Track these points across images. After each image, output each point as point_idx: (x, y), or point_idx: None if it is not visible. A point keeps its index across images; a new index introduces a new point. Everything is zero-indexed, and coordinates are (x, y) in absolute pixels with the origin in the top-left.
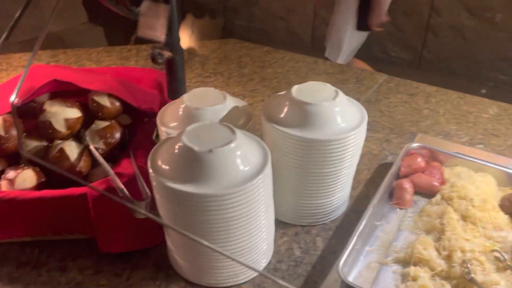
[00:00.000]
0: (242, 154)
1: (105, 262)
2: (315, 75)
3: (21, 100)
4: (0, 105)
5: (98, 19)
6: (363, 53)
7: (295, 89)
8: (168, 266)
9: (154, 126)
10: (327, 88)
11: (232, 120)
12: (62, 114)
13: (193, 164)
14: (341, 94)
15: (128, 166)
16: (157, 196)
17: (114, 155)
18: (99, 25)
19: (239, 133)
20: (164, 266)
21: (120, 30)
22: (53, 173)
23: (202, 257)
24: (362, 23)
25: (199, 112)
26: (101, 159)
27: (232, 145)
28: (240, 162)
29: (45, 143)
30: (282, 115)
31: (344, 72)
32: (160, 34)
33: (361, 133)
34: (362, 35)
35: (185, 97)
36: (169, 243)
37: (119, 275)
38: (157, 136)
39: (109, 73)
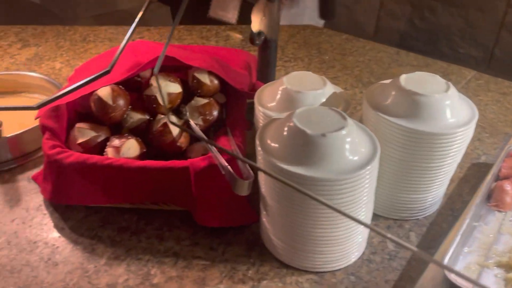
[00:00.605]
0: (352, 142)
1: (200, 235)
2: (399, 67)
3: (129, 73)
4: (108, 75)
5: None
6: (427, 48)
7: (403, 78)
8: (261, 245)
9: (245, 105)
10: (437, 80)
11: (331, 106)
12: (165, 88)
13: (304, 147)
14: (452, 87)
15: (226, 144)
16: (262, 175)
17: (210, 132)
18: (167, 4)
19: (349, 120)
20: (257, 245)
21: (187, 10)
22: (153, 146)
23: (300, 240)
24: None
25: (300, 96)
26: (202, 135)
27: (344, 131)
28: (350, 150)
29: (147, 117)
30: (388, 104)
31: (429, 65)
32: (232, 15)
33: (470, 130)
34: None
35: (284, 79)
36: (266, 222)
37: (215, 249)
38: (250, 115)
39: (201, 52)
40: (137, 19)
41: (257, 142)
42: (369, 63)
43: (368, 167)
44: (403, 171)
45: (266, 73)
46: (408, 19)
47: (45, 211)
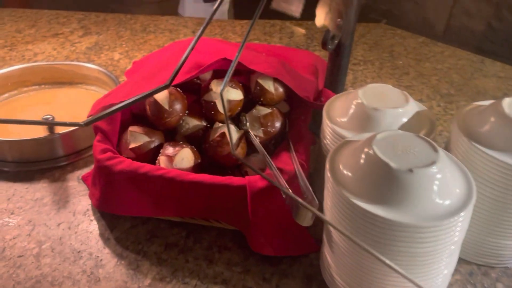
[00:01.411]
0: (443, 180)
1: (252, 261)
2: (483, 77)
3: (189, 75)
4: (164, 73)
5: None
6: (504, 52)
7: (507, 103)
8: (320, 281)
9: (310, 117)
10: None
11: (414, 129)
12: (226, 94)
13: (385, 183)
14: None
15: (288, 161)
16: (328, 203)
17: (270, 145)
18: None
19: (441, 152)
20: (316, 280)
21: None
22: (208, 155)
23: (368, 286)
24: None
25: (377, 114)
26: (262, 150)
27: (435, 167)
28: (440, 190)
29: (204, 123)
30: (485, 133)
31: None
32: (296, 8)
33: None
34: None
35: (360, 92)
36: (328, 257)
37: (268, 280)
38: (314, 127)
39: (265, 52)
40: (207, 19)
41: (327, 166)
42: (449, 72)
43: (462, 214)
44: (496, 213)
45: (336, 81)
46: (484, 19)
47: (92, 217)
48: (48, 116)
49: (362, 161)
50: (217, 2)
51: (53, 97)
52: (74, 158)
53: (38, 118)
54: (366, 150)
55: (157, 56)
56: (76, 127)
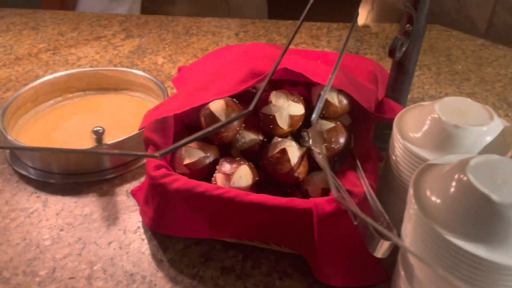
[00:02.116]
0: None
1: None
2: None
3: (246, 85)
4: (220, 83)
5: None
6: None
7: None
8: None
9: (373, 130)
10: None
11: (500, 149)
12: (287, 109)
13: (485, 217)
14: None
15: (355, 181)
16: (409, 231)
17: (334, 163)
18: None
19: None
20: None
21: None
22: (266, 172)
23: None
24: None
25: (458, 132)
26: (328, 170)
27: None
28: None
29: (261, 138)
30: None
31: None
32: None
33: None
34: None
35: (437, 106)
36: None
37: None
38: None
39: (320, 59)
40: (299, 21)
41: (412, 192)
42: None
43: None
44: None
45: (399, 90)
46: None
47: (143, 236)
48: (99, 129)
49: (454, 190)
50: (309, 3)
51: (98, 104)
52: (122, 171)
53: (84, 126)
54: (459, 177)
55: (205, 62)
56: (125, 137)
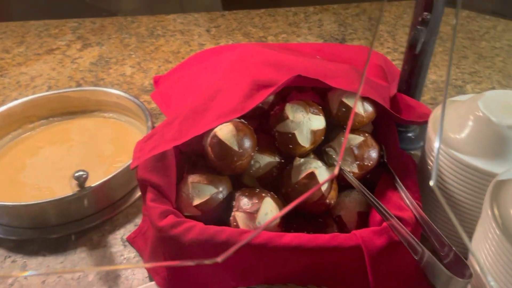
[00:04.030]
0: None
1: None
2: None
3: (254, 103)
4: (220, 103)
5: None
6: None
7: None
8: None
9: (397, 134)
10: None
11: None
12: (308, 124)
13: None
14: None
15: (399, 203)
16: (490, 262)
17: (366, 182)
18: None
19: None
20: None
21: None
22: (291, 201)
23: None
24: None
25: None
26: (368, 194)
27: None
28: None
29: (277, 159)
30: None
31: None
32: None
33: None
34: None
35: (480, 104)
36: None
37: None
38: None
39: (317, 53)
40: None
41: (493, 213)
42: (510, 50)
43: None
44: None
45: (414, 84)
46: None
47: None
48: (82, 173)
49: None
50: None
51: (67, 132)
52: (110, 213)
53: (56, 162)
54: None
55: (187, 71)
56: (110, 177)
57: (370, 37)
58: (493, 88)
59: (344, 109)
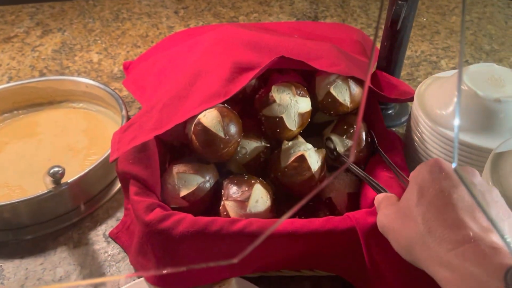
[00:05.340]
0: None
1: None
2: None
3: (238, 86)
4: (201, 88)
5: None
6: None
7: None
8: None
9: (380, 112)
10: None
11: None
12: (295, 106)
13: None
14: None
15: (393, 183)
16: None
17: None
18: None
19: None
20: None
21: None
22: (281, 185)
23: None
24: None
25: (500, 107)
26: (367, 176)
27: None
28: None
29: (263, 143)
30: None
31: None
32: None
33: None
34: None
35: (466, 78)
36: None
37: None
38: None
39: (295, 32)
40: None
41: (494, 185)
42: (481, 23)
43: None
44: None
45: (394, 61)
46: None
47: None
48: (58, 169)
49: None
50: None
51: (34, 125)
52: (90, 208)
53: (25, 158)
54: None
55: (160, 55)
56: (87, 171)
57: (343, 14)
58: (467, 61)
59: (330, 100)
